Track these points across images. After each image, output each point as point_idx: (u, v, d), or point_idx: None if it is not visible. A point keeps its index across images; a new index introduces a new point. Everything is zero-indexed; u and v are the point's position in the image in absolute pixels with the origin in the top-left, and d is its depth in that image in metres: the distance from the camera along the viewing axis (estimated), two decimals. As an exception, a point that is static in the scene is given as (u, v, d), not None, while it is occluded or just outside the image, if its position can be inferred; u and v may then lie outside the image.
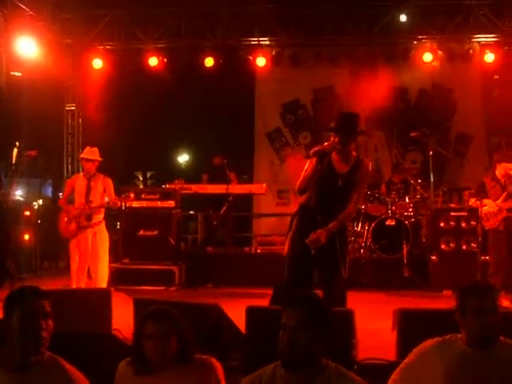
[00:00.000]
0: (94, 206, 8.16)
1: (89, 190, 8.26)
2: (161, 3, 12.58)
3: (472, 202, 9.07)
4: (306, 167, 5.80)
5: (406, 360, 3.60)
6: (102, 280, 8.25)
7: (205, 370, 3.37)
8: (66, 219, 8.24)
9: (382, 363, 4.94)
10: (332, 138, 5.73)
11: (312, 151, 5.67)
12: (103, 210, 8.36)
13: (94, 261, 8.23)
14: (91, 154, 8.45)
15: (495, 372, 3.32)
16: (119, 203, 8.36)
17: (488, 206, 8.64)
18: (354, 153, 5.84)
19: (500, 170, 8.74)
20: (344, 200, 5.75)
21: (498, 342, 3.41)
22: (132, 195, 8.50)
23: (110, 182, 8.41)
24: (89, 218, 8.18)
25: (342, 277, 5.77)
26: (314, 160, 5.68)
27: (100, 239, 8.28)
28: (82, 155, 8.64)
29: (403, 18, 12.63)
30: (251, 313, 5.01)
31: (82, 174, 8.58)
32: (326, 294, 5.54)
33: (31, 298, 3.18)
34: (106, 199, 8.30)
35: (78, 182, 8.40)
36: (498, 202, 8.60)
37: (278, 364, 3.15)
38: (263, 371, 3.18)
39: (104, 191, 8.31)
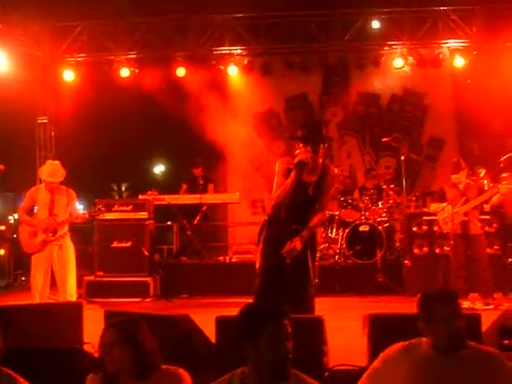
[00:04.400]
0: (60, 221, 7.97)
1: (53, 202, 8.05)
2: (131, 14, 12.57)
3: (433, 207, 9.20)
4: (276, 180, 5.79)
5: (373, 365, 3.64)
6: (72, 293, 8.09)
7: (172, 381, 3.36)
8: (28, 232, 8.05)
9: (353, 369, 4.93)
10: (300, 148, 5.75)
11: (295, 163, 5.66)
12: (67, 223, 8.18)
13: (62, 274, 8.02)
14: (53, 174, 8.08)
15: (461, 376, 3.35)
16: (87, 217, 8.23)
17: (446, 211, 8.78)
18: (320, 160, 5.83)
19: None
20: (313, 207, 5.79)
21: (466, 346, 3.45)
22: (103, 209, 8.33)
23: (73, 195, 8.21)
24: (54, 231, 8.00)
25: (311, 284, 5.78)
26: (293, 172, 5.65)
27: (66, 252, 8.10)
28: (43, 177, 8.23)
29: (376, 24, 12.73)
30: (221, 322, 4.99)
31: (43, 185, 8.25)
32: (297, 301, 5.55)
33: None
34: (69, 211, 8.08)
35: (40, 194, 8.12)
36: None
37: (234, 373, 3.16)
38: (220, 381, 3.22)
39: (67, 204, 8.11)
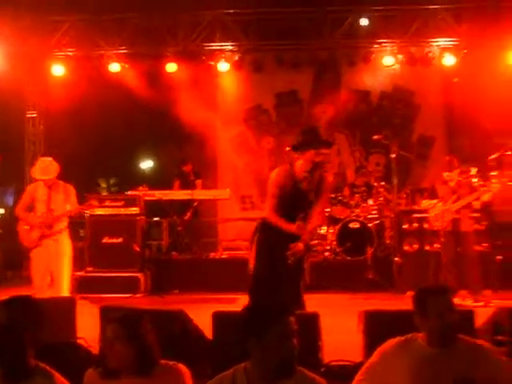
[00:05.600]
0: (56, 215, 7.93)
1: (50, 198, 8.01)
2: (121, 9, 12.52)
3: (424, 204, 9.29)
4: (270, 191, 5.95)
5: (370, 360, 3.68)
6: (65, 289, 8.05)
7: (172, 375, 3.38)
8: (26, 228, 8.01)
9: (348, 364, 4.97)
10: (297, 156, 5.93)
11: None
12: (66, 218, 8.12)
13: (57, 270, 7.97)
14: (45, 172, 8.03)
15: (455, 369, 3.42)
16: (81, 211, 8.24)
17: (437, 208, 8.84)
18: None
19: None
20: (310, 212, 5.95)
21: (457, 340, 3.52)
22: (94, 203, 8.34)
23: (71, 189, 8.14)
24: (50, 226, 7.97)
25: (303, 283, 6.05)
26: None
27: (63, 247, 8.04)
28: (35, 176, 8.16)
29: (364, 21, 12.75)
30: (218, 318, 5.00)
31: (41, 182, 8.13)
32: (292, 298, 5.71)
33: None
34: (68, 207, 8.05)
35: (39, 190, 8.07)
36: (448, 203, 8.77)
37: (237, 368, 3.17)
38: (224, 376, 3.21)
39: (65, 199, 8.07)
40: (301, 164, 5.89)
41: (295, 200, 5.87)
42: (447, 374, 3.41)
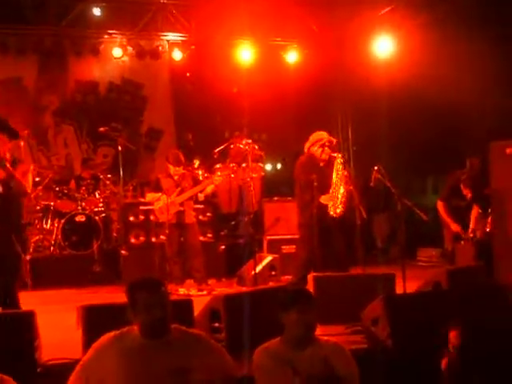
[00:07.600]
0: None
1: None
2: None
3: (149, 197, 9.40)
4: None
5: (85, 356, 3.69)
6: None
7: None
8: None
9: (68, 362, 4.83)
10: None
11: None
12: None
13: None
14: None
15: (169, 359, 3.51)
16: None
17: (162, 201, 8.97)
18: None
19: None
20: None
21: (171, 331, 3.62)
22: None
23: None
24: None
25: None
26: None
27: None
28: None
29: (97, 11, 12.50)
30: None
31: None
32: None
33: None
34: None
35: None
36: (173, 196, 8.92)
37: None
38: None
39: None
40: None
41: None
42: (160, 364, 3.49)
